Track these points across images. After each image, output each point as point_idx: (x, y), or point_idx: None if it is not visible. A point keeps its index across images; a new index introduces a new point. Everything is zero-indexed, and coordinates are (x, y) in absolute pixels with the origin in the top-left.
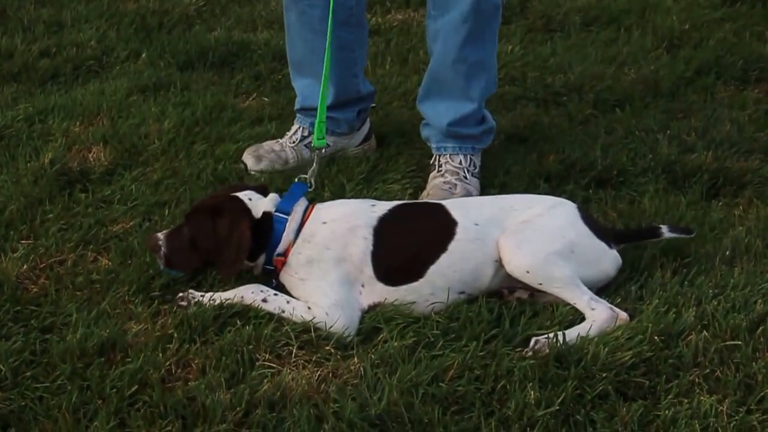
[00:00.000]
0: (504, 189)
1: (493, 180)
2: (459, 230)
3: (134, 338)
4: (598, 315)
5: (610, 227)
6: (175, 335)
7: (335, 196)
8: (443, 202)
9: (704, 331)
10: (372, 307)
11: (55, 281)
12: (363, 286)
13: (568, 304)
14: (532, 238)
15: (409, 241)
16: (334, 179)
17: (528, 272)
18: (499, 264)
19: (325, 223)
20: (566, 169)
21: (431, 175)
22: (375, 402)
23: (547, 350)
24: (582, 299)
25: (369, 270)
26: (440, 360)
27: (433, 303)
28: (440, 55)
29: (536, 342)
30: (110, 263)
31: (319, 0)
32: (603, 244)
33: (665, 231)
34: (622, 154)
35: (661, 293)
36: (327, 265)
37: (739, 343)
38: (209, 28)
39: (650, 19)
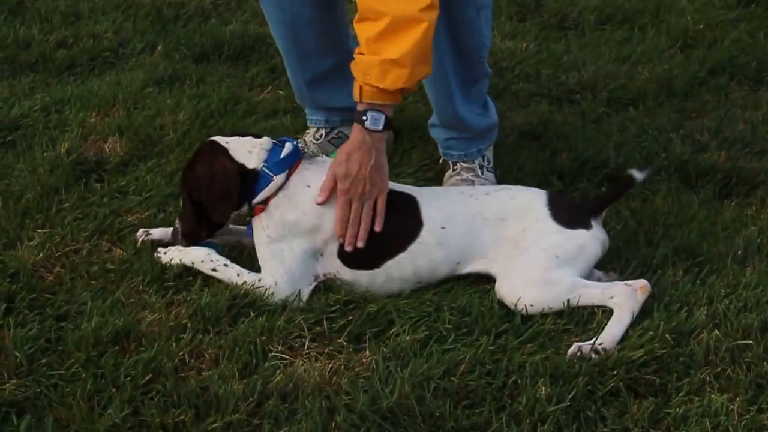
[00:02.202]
0: (517, 185)
1: (506, 177)
2: (423, 232)
3: (148, 327)
4: (619, 300)
5: (586, 202)
6: (189, 325)
7: None
8: (419, 197)
9: (716, 330)
10: (324, 277)
11: (70, 270)
12: (322, 255)
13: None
14: (520, 272)
15: (378, 233)
16: None
17: (532, 306)
18: (460, 266)
19: (309, 186)
20: (579, 167)
21: (447, 174)
22: (386, 395)
23: (593, 356)
24: (596, 297)
25: (334, 247)
26: (452, 354)
27: (386, 288)
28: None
29: (578, 349)
30: (125, 253)
31: None
32: (579, 231)
33: (637, 175)
34: (635, 152)
35: (673, 292)
36: (298, 232)
37: (751, 342)
38: (225, 21)
39: (664, 18)
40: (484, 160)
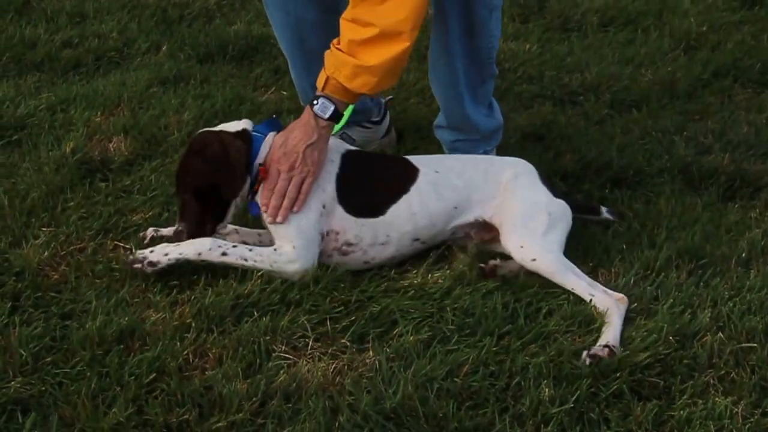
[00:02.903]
0: None
1: None
2: (420, 175)
3: (152, 327)
4: (604, 307)
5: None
6: (193, 324)
7: None
8: (409, 156)
9: (720, 333)
10: (327, 234)
11: (75, 269)
12: (324, 207)
13: (567, 293)
14: (523, 224)
15: (375, 179)
16: None
17: (522, 247)
18: (458, 211)
19: None
20: (582, 169)
21: None
22: (390, 395)
23: (605, 354)
24: (580, 285)
25: (333, 194)
26: (455, 355)
27: (386, 252)
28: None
29: (587, 355)
30: (130, 252)
31: None
32: (561, 200)
33: (605, 213)
34: (639, 154)
35: (677, 294)
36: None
37: (755, 345)
38: (229, 21)
39: (668, 20)
40: None
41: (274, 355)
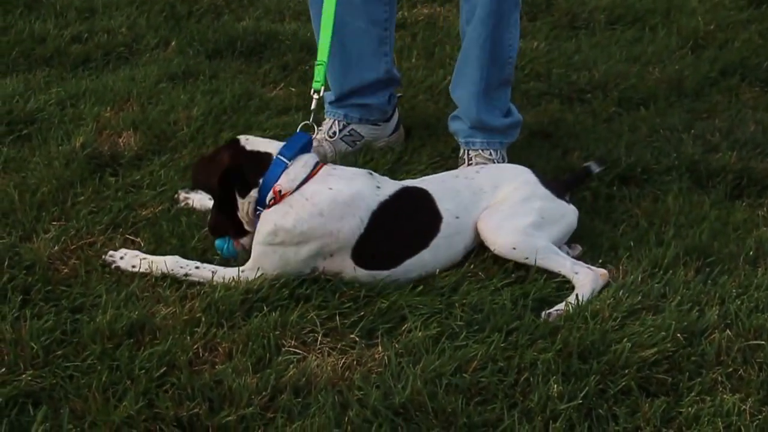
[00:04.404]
0: None
1: None
2: (443, 226)
3: (162, 321)
4: (583, 279)
5: (560, 180)
6: (203, 319)
7: None
8: (430, 189)
9: (727, 330)
10: (324, 273)
11: (85, 263)
12: (331, 256)
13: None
14: (508, 216)
15: (399, 234)
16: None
17: (514, 249)
18: (470, 247)
19: (331, 189)
20: None
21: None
22: (399, 390)
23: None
24: (565, 266)
25: (348, 249)
26: (464, 351)
27: (404, 278)
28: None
29: (548, 315)
30: (141, 246)
31: None
32: (562, 202)
33: (594, 167)
34: (646, 152)
35: (685, 291)
36: (312, 237)
37: (763, 342)
38: (237, 17)
39: (675, 19)
40: (499, 157)
41: (283, 350)
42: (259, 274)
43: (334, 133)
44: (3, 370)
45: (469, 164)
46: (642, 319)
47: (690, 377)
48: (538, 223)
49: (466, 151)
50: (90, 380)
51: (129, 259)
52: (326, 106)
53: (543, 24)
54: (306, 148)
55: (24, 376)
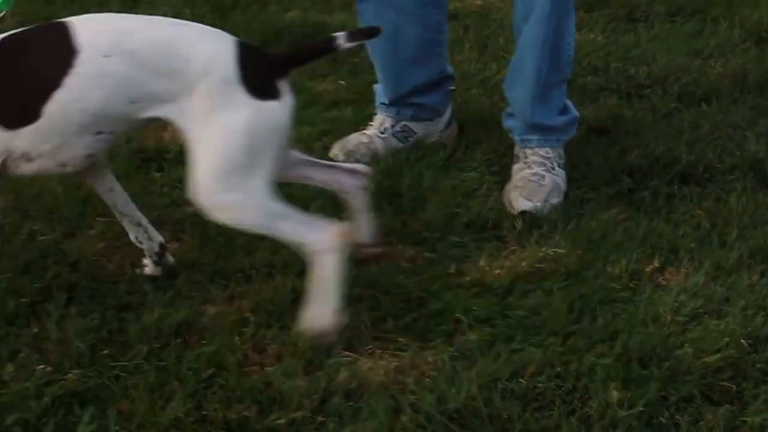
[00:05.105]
0: (585, 181)
1: (573, 172)
2: (81, 61)
3: (210, 320)
4: (320, 245)
5: (275, 56)
6: (252, 319)
7: (414, 185)
8: (77, 21)
9: None
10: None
11: (130, 260)
12: None
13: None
14: (210, 158)
15: (21, 73)
16: (413, 167)
17: (227, 213)
18: (137, 106)
19: None
20: (650, 164)
21: (516, 166)
22: (453, 395)
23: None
24: (285, 231)
25: None
26: (520, 355)
27: (76, 155)
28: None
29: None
30: (187, 244)
31: None
32: (270, 103)
33: (341, 40)
34: (708, 150)
35: (749, 295)
36: None
37: None
38: (284, 8)
39: (737, 11)
40: (556, 155)
41: (333, 352)
42: None
43: (386, 129)
44: (49, 369)
45: (525, 162)
46: (704, 324)
47: (755, 385)
48: (245, 159)
49: (522, 149)
50: (137, 381)
51: None
52: (377, 103)
53: (600, 16)
54: None
55: (70, 375)
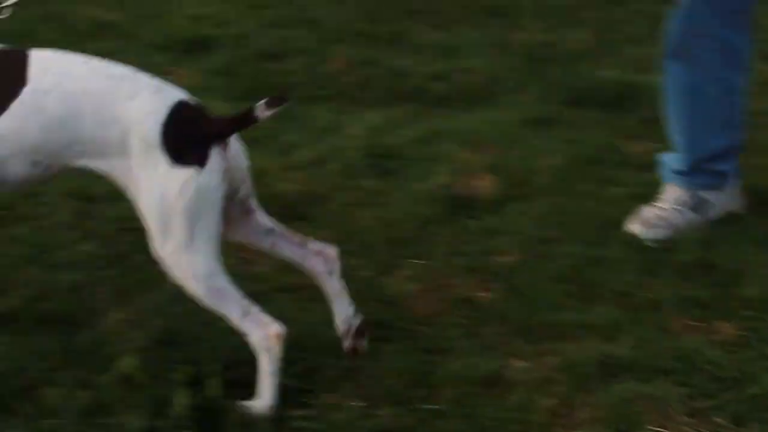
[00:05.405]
0: None
1: None
2: (24, 92)
3: (515, 375)
4: (257, 340)
5: (212, 120)
6: (558, 379)
7: (731, 258)
8: (34, 55)
9: None
10: None
11: (441, 306)
12: None
13: None
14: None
15: None
16: (728, 238)
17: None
18: (73, 149)
19: None
20: None
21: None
22: None
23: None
24: (234, 316)
25: None
26: None
27: (25, 174)
28: None
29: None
30: (497, 294)
31: (716, 44)
32: (188, 170)
33: (259, 111)
34: None
35: None
36: None
37: None
38: (598, 65)
39: None
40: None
41: (646, 426)
42: None
43: (684, 201)
44: (365, 404)
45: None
46: None
47: None
48: (176, 228)
49: None
50: (442, 425)
51: None
52: (669, 172)
53: None
54: None
55: (381, 412)
